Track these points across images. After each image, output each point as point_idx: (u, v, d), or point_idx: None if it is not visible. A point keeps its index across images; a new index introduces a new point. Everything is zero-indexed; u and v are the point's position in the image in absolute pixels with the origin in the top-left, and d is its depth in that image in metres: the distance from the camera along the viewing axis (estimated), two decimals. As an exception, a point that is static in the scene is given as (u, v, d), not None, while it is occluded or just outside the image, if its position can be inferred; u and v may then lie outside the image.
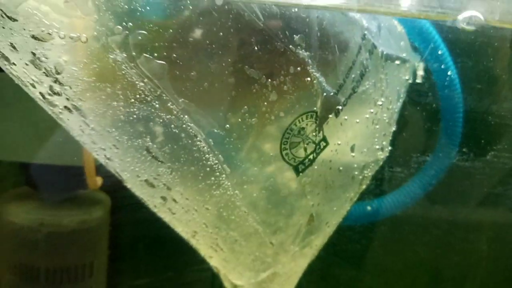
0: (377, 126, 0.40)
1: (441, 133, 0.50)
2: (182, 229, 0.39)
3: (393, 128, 0.42)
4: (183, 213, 0.37)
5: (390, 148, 0.42)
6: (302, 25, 0.31)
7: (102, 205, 0.49)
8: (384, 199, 0.52)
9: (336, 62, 0.35)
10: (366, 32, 0.36)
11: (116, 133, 0.33)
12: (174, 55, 0.29)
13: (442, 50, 0.49)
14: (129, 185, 0.37)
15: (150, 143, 0.33)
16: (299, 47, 0.32)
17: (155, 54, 0.29)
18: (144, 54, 0.29)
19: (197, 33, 0.30)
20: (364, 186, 0.42)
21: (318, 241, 0.41)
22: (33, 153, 0.45)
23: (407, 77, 0.44)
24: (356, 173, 0.40)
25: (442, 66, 0.49)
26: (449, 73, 0.50)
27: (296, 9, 0.31)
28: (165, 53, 0.28)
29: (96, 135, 0.34)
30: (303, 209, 0.38)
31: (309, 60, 0.32)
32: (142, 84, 0.30)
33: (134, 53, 0.28)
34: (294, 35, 0.31)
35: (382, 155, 0.42)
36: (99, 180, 0.47)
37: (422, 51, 0.48)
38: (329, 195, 0.39)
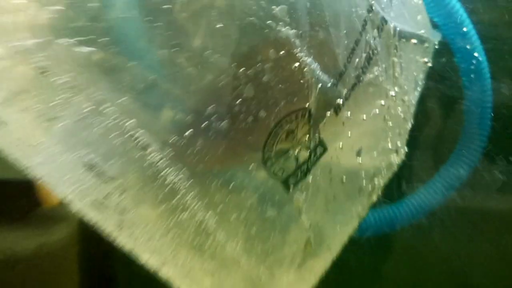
0: (390, 123, 0.31)
1: (463, 132, 0.41)
2: (148, 258, 0.31)
3: (410, 125, 0.34)
4: (146, 240, 0.30)
5: (406, 149, 0.34)
6: (284, -8, 0.23)
7: (66, 223, 0.41)
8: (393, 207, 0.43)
9: (334, 43, 0.26)
10: (373, 2, 0.28)
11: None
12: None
13: (467, 27, 0.40)
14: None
15: (92, 155, 0.25)
16: (281, 22, 0.23)
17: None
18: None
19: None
20: (375, 198, 0.33)
21: (319, 268, 0.33)
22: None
23: (426, 60, 0.35)
24: (364, 183, 0.31)
25: (468, 47, 0.40)
26: (475, 55, 0.41)
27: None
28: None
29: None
30: (297, 233, 0.30)
31: (296, 41, 0.24)
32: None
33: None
34: (274, 6, 0.23)
35: (397, 159, 0.33)
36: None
37: (444, 28, 0.40)
38: (330, 213, 0.30)
